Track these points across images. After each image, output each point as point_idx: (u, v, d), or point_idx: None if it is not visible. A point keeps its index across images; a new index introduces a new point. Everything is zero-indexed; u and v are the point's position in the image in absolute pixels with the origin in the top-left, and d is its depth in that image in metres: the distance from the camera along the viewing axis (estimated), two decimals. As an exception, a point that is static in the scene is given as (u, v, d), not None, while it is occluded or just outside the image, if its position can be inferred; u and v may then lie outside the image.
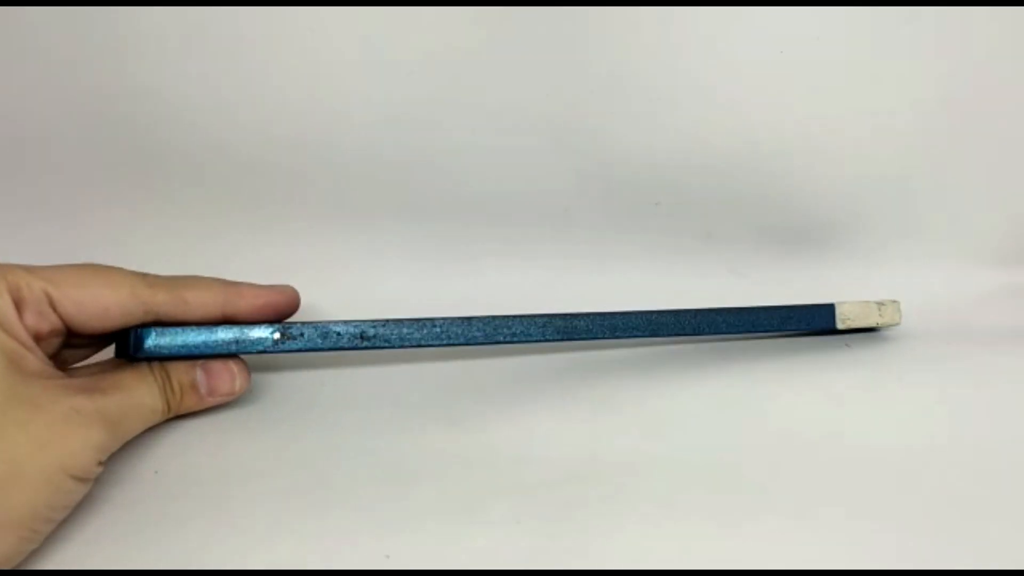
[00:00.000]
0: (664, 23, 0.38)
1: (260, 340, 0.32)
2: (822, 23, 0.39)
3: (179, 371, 0.31)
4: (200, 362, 0.32)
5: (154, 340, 0.30)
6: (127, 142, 0.39)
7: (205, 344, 0.31)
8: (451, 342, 0.34)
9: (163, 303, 0.30)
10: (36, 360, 0.27)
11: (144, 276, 0.30)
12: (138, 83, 0.38)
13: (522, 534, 0.28)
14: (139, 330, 0.30)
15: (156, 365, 0.31)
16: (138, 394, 0.29)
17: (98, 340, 0.31)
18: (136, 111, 0.39)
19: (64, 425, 0.26)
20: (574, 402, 0.36)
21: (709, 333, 0.38)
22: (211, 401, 0.32)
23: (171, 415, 0.31)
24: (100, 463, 0.27)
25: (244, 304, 0.31)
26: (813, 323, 0.40)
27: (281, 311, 0.33)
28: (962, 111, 0.42)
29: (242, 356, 0.33)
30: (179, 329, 0.31)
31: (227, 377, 0.32)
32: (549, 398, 0.36)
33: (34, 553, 0.26)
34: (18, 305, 0.27)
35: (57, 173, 0.40)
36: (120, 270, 0.30)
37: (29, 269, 0.28)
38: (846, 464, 0.32)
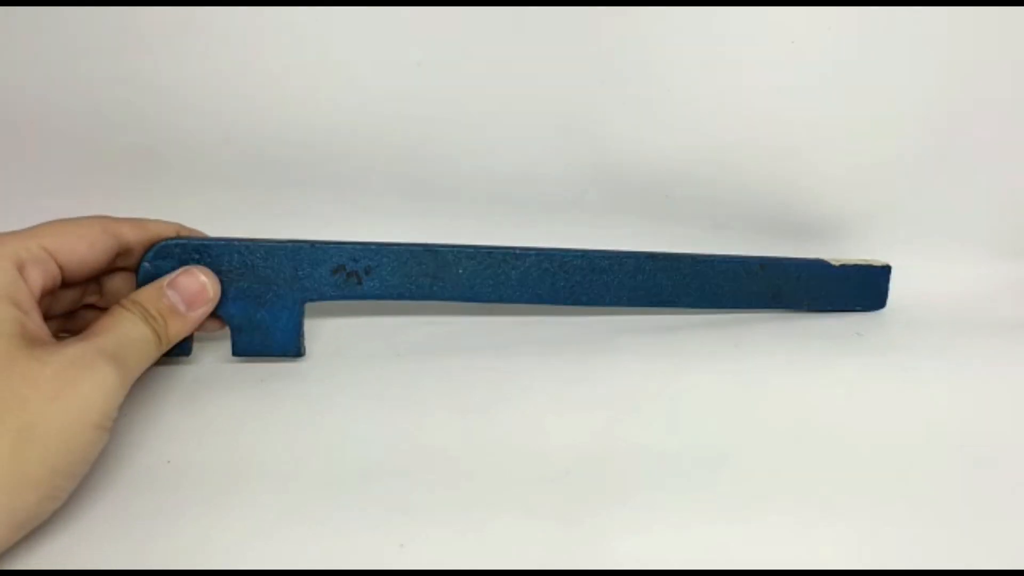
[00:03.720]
0: (676, 20, 0.38)
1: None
2: (832, 20, 0.39)
3: (151, 299, 0.32)
4: (166, 281, 0.33)
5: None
6: (138, 137, 0.40)
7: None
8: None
9: (129, 232, 0.33)
10: (35, 326, 0.28)
11: (102, 215, 0.32)
12: (147, 79, 0.39)
13: (536, 525, 0.28)
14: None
15: (127, 300, 0.31)
16: (126, 327, 0.30)
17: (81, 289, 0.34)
18: (145, 107, 0.39)
19: (71, 370, 0.26)
20: (585, 393, 0.36)
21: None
22: (193, 317, 0.33)
23: (165, 345, 0.32)
24: (116, 409, 0.28)
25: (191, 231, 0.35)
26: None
27: None
28: (969, 107, 0.42)
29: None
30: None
31: (196, 285, 0.33)
32: (560, 389, 0.36)
33: (45, 539, 0.27)
34: (22, 268, 0.28)
35: (59, 163, 0.41)
36: (81, 217, 0.32)
37: (17, 233, 0.29)
38: (859, 453, 0.32)
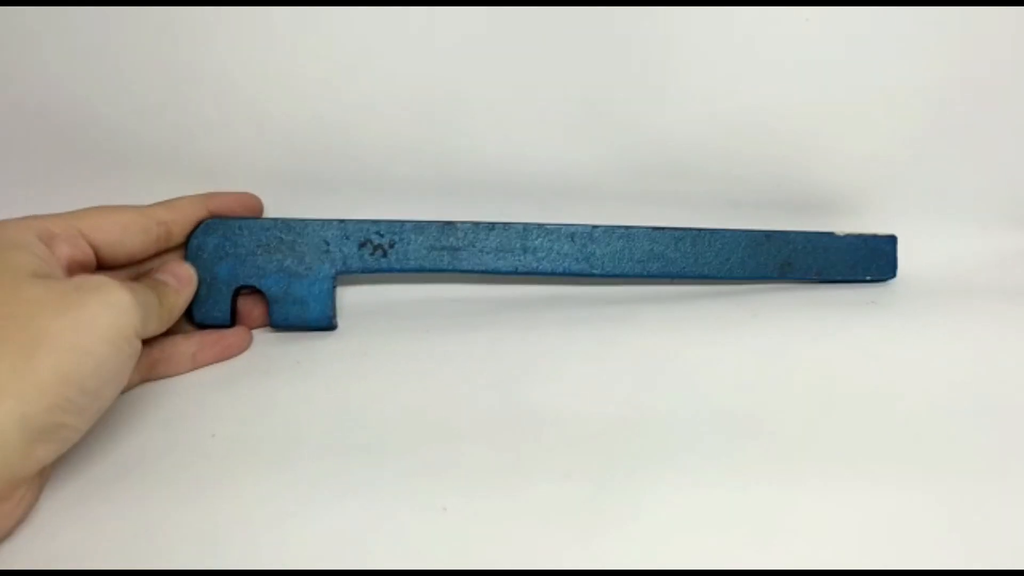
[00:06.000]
0: (688, 5, 0.39)
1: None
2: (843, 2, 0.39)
3: (146, 279, 0.34)
4: (152, 271, 0.35)
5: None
6: (171, 127, 0.40)
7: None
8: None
9: (163, 213, 0.35)
10: (58, 276, 0.29)
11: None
12: (176, 69, 0.39)
13: (573, 486, 0.29)
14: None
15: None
16: (131, 284, 0.31)
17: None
18: (176, 97, 0.40)
19: (77, 292, 0.27)
20: (611, 362, 0.37)
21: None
22: (184, 293, 0.35)
23: (167, 313, 0.33)
24: (134, 331, 0.28)
25: (220, 201, 0.38)
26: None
27: (252, 211, 0.39)
28: (980, 79, 0.43)
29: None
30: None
31: (178, 267, 0.35)
32: (586, 359, 0.37)
33: (94, 505, 0.28)
34: (50, 241, 0.30)
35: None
36: (119, 205, 0.34)
37: (52, 215, 0.32)
38: (878, 414, 0.33)
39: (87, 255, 0.32)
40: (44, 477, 0.28)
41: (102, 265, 0.33)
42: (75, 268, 0.31)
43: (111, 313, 0.27)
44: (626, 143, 0.43)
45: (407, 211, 0.41)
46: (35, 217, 0.31)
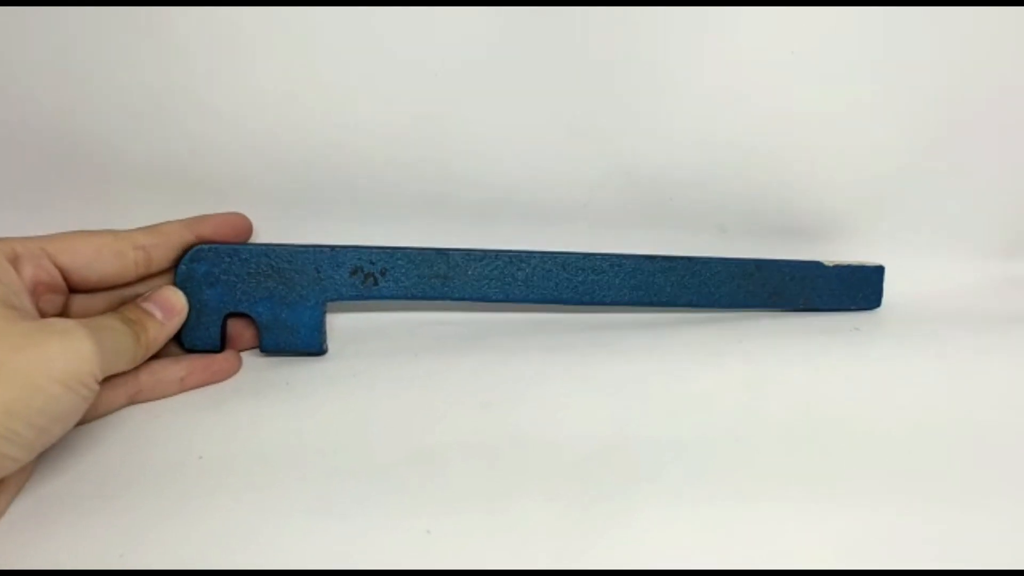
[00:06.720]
0: (678, 24, 0.39)
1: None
2: (832, 24, 0.40)
3: (129, 308, 0.34)
4: (140, 298, 0.35)
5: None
6: (160, 149, 0.41)
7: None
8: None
9: (142, 237, 0.35)
10: (17, 302, 0.29)
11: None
12: (165, 89, 0.39)
13: (558, 509, 0.29)
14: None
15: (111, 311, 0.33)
16: (106, 320, 0.31)
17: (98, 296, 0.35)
18: (164, 119, 0.40)
19: (40, 332, 0.27)
20: (599, 384, 0.37)
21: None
22: (169, 325, 0.35)
23: (144, 347, 0.33)
24: (92, 376, 0.28)
25: (208, 225, 0.37)
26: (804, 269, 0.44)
27: (240, 231, 0.39)
28: (967, 109, 0.44)
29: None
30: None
31: (171, 296, 0.35)
32: (571, 384, 0.37)
33: (73, 520, 0.28)
34: (15, 262, 0.30)
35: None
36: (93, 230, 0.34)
37: (20, 237, 0.32)
38: (860, 440, 0.33)
39: (53, 277, 0.32)
40: (9, 494, 0.28)
41: (74, 289, 0.33)
42: (41, 290, 0.31)
43: (67, 358, 0.27)
44: (616, 167, 0.43)
45: (397, 231, 0.42)
46: (1, 239, 0.31)
